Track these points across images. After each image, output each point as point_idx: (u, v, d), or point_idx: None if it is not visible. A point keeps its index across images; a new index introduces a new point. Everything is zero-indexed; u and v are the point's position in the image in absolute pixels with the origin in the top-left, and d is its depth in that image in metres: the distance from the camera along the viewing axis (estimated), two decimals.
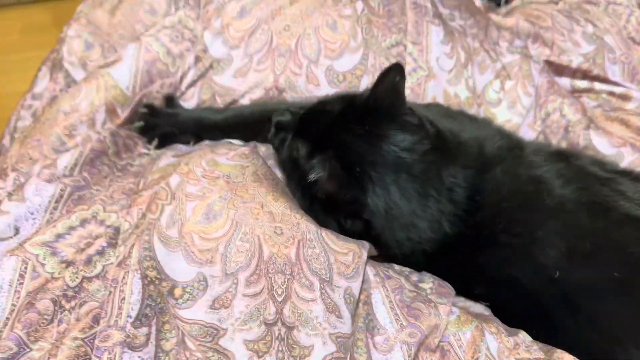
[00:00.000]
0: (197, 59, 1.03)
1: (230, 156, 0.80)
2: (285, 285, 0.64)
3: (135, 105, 0.94)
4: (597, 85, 1.21)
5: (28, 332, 0.54)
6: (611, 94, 1.20)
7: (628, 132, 1.11)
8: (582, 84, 1.22)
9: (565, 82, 1.22)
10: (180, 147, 0.91)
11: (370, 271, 0.71)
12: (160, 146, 0.91)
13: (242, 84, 1.03)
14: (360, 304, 0.67)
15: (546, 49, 1.23)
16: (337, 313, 0.64)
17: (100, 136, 0.84)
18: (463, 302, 0.78)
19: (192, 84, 1.03)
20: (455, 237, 0.78)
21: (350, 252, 0.70)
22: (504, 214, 0.79)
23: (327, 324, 0.62)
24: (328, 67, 1.01)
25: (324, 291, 0.65)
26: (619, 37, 1.25)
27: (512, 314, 0.77)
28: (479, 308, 0.78)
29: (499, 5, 1.51)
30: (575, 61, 1.20)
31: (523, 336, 0.73)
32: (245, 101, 1.03)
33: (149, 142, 0.92)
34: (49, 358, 0.53)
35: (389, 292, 0.70)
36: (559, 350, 0.72)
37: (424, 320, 0.68)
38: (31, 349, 0.53)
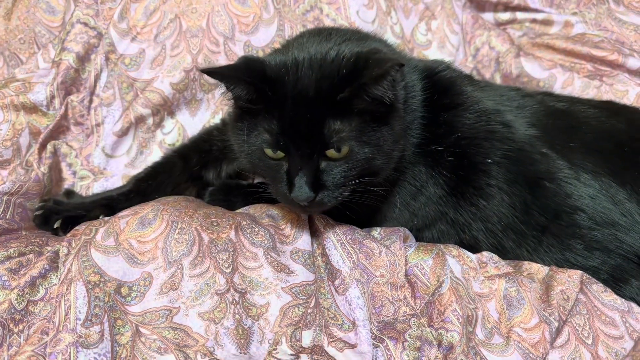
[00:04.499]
0: (108, 60, 1.02)
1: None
2: (230, 260, 0.68)
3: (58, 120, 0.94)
4: (519, 15, 1.26)
5: None
6: (534, 21, 1.25)
7: (556, 55, 1.18)
8: (505, 15, 1.27)
9: (488, 16, 1.27)
10: None
11: (320, 224, 0.77)
12: (64, 229, 0.81)
13: (160, 72, 1.02)
14: (319, 257, 0.73)
15: None
16: (287, 270, 0.69)
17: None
18: None
19: (109, 85, 1.01)
20: None
21: (287, 223, 0.76)
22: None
23: (278, 280, 0.68)
24: (246, 43, 1.04)
25: (269, 257, 0.70)
26: None
27: None
28: None
29: None
30: None
31: (488, 254, 0.79)
32: (165, 86, 1.01)
33: (51, 228, 0.83)
34: None
35: (340, 234, 0.75)
36: (525, 262, 0.78)
37: (374, 260, 0.73)
38: None
